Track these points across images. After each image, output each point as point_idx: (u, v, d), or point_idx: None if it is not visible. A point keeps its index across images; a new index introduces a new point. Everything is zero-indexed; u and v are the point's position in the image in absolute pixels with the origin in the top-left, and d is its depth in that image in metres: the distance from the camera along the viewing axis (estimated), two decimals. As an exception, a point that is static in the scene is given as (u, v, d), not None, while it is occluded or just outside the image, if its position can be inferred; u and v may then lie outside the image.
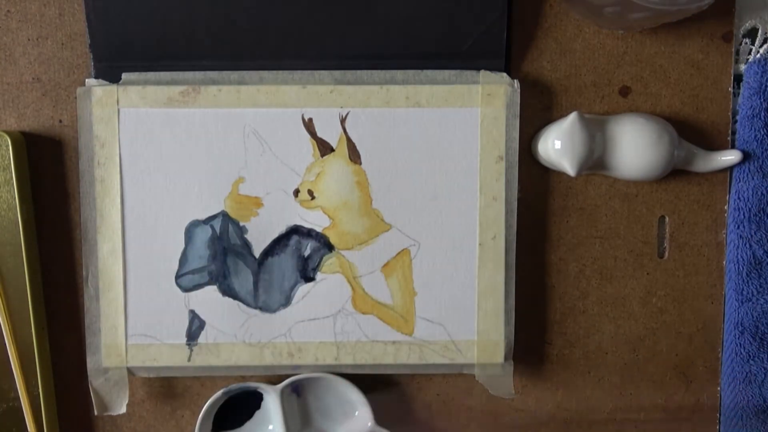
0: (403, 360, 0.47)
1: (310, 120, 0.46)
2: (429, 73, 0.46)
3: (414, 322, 0.47)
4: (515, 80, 0.46)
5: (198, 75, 0.46)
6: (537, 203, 0.49)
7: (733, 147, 0.48)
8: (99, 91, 0.46)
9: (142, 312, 0.47)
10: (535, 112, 0.48)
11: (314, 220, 0.47)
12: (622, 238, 0.49)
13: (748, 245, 0.48)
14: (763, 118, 0.47)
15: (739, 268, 0.48)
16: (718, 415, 0.50)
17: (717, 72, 0.48)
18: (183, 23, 0.46)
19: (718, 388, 0.50)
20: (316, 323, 0.47)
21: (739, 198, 0.48)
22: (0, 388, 0.47)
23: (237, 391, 0.48)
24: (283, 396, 0.47)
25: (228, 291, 0.47)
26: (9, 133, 0.45)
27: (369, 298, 0.47)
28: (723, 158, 0.47)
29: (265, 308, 0.47)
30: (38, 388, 0.47)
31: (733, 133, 0.48)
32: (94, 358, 0.47)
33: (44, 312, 0.48)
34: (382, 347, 0.47)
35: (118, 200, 0.46)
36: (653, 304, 0.50)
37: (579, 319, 0.50)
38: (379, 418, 0.48)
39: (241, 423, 0.49)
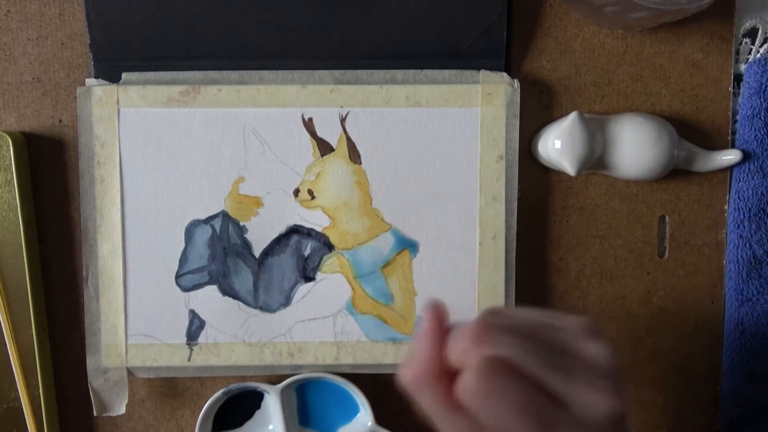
0: (403, 360, 0.47)
1: (310, 120, 0.46)
2: (429, 72, 0.46)
3: (414, 322, 0.47)
4: (515, 80, 0.46)
5: (198, 75, 0.46)
6: (537, 203, 0.48)
7: (733, 147, 0.48)
8: (99, 90, 0.46)
9: (142, 312, 0.47)
10: (535, 112, 0.48)
11: (314, 219, 0.47)
12: (622, 238, 0.49)
13: (748, 245, 0.48)
14: (763, 118, 0.47)
15: (739, 268, 0.48)
16: (718, 415, 0.50)
17: (717, 72, 0.48)
18: (183, 23, 0.46)
19: (718, 388, 0.50)
20: (316, 323, 0.47)
21: (739, 198, 0.48)
22: (0, 388, 0.47)
23: (237, 391, 0.48)
24: (283, 396, 0.47)
25: (228, 291, 0.47)
26: (9, 134, 0.45)
27: (369, 298, 0.47)
28: (723, 158, 0.47)
29: (265, 308, 0.47)
30: (38, 388, 0.47)
31: (733, 133, 0.48)
32: (94, 358, 0.47)
33: (44, 312, 0.48)
34: (382, 347, 0.47)
35: (118, 200, 0.46)
36: (653, 304, 0.50)
37: (579, 319, 0.50)
38: (379, 418, 0.48)
39: (241, 423, 0.49)
